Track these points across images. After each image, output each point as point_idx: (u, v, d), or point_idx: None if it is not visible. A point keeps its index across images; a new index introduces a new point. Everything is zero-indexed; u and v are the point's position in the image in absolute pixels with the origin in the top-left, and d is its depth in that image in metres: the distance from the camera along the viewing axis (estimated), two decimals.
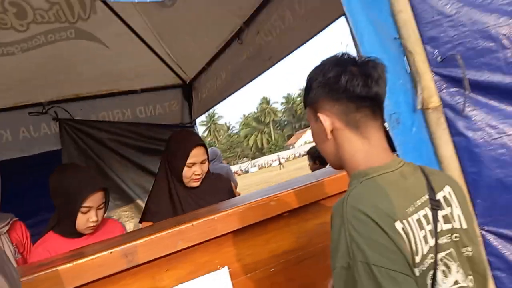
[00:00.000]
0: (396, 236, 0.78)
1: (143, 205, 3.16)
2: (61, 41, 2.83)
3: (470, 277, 0.91)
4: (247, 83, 2.95)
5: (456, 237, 0.90)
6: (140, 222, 1.92)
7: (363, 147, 0.92)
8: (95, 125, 3.09)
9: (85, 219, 1.55)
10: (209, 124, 76.67)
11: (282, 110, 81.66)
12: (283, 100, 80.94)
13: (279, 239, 1.29)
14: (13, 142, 2.93)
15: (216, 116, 77.89)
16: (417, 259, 0.80)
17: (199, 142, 1.86)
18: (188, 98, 3.63)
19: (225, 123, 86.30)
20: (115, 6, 2.86)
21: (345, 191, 0.89)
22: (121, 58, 3.08)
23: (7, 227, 1.75)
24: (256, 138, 76.50)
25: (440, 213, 0.90)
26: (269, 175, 26.94)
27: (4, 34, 2.65)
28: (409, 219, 0.83)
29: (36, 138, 3.01)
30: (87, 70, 3.07)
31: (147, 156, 3.16)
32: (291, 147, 67.12)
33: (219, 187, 1.95)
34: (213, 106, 3.54)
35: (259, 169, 54.09)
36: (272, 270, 1.27)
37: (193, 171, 1.80)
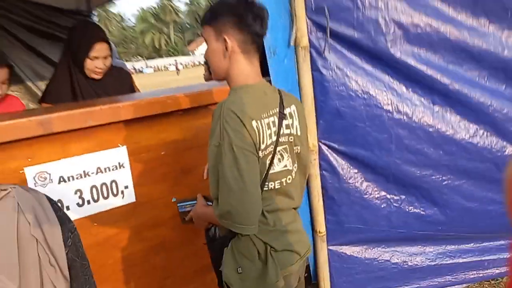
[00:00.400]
0: (251, 129, 1.19)
1: (32, 87, 3.13)
2: None
3: (295, 164, 1.40)
4: None
5: (291, 139, 1.36)
6: (40, 102, 2.05)
7: (246, 69, 1.27)
8: None
9: None
10: (99, 11, 68.53)
11: (186, 11, 76.76)
12: (188, 1, 75.83)
13: (171, 131, 1.64)
14: None
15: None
16: (262, 146, 1.23)
17: (104, 37, 1.99)
18: None
19: (119, 13, 78.06)
20: None
21: None
22: None
23: None
24: (154, 37, 71.56)
25: (284, 122, 1.34)
26: (165, 80, 25.94)
27: None
28: (262, 121, 1.24)
29: None
30: None
31: (40, 39, 3.02)
32: (191, 53, 64.93)
33: (120, 80, 2.15)
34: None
35: (155, 71, 51.81)
36: (163, 153, 1.63)
37: (95, 65, 1.96)
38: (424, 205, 1.97)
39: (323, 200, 1.95)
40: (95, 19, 3.87)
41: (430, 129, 1.82)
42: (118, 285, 1.60)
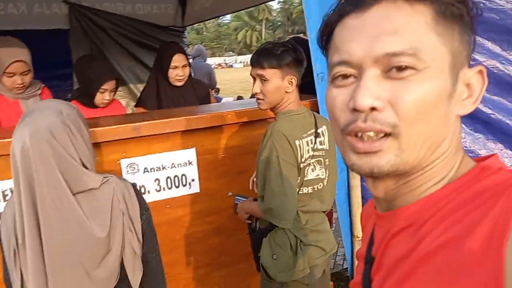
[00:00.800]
0: (294, 146, 1.50)
1: (133, 89, 3.79)
2: None
3: (327, 174, 1.67)
4: (241, 9, 3.36)
5: (323, 153, 1.64)
6: (136, 106, 2.58)
7: (292, 98, 1.57)
8: (100, 13, 3.48)
9: (101, 97, 2.22)
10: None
11: (278, 9, 77.88)
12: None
13: (231, 138, 2.01)
14: (28, 15, 3.31)
15: None
16: (302, 159, 1.53)
17: (181, 50, 2.41)
18: (183, 5, 3.99)
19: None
20: None
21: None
22: None
23: (39, 91, 2.27)
24: (246, 34, 74.00)
25: (318, 139, 1.62)
26: None
27: None
28: (302, 140, 1.54)
29: (48, 15, 3.40)
30: None
31: (141, 49, 3.65)
32: None
33: (198, 91, 2.59)
34: (204, 21, 3.92)
35: (244, 66, 53.71)
36: (223, 155, 2.02)
37: (176, 73, 2.38)
38: None
39: (362, 208, 2.16)
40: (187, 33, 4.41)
41: (470, 155, 1.93)
42: (181, 257, 2.02)
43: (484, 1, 1.80)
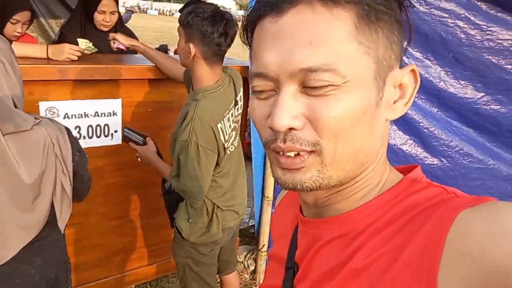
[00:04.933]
0: (217, 132, 1.46)
1: (44, 24, 3.40)
2: None
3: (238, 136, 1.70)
4: None
5: (239, 117, 1.68)
6: (57, 41, 2.35)
7: (207, 73, 1.47)
8: None
9: (12, 29, 2.01)
10: None
11: None
12: None
13: (158, 93, 2.00)
14: None
15: None
16: (225, 141, 1.53)
17: None
18: None
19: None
20: None
21: None
22: None
23: None
24: None
25: (236, 107, 1.63)
26: (165, 25, 25.05)
27: None
28: (224, 119, 1.53)
29: None
30: None
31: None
32: None
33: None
34: None
35: (159, 14, 50.58)
36: (149, 110, 2.01)
37: (103, 17, 2.24)
38: None
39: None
40: None
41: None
42: (97, 207, 2.00)
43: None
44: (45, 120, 1.16)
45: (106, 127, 1.88)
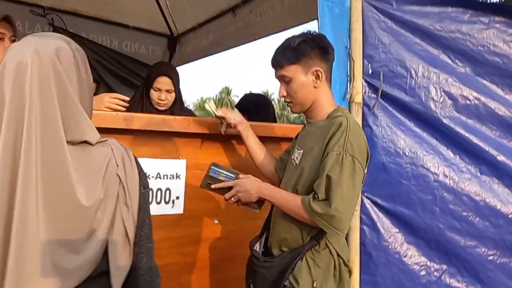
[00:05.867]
0: (368, 148, 1.33)
1: None
2: None
3: None
4: (229, 48, 3.48)
5: None
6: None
7: (324, 94, 1.39)
8: (84, 42, 3.35)
9: None
10: None
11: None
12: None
13: (228, 155, 1.80)
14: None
15: None
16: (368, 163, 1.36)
17: (167, 73, 2.16)
18: (171, 49, 4.00)
19: (184, 100, 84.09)
20: None
21: None
22: None
23: None
24: None
25: None
26: None
27: None
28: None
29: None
30: None
31: (122, 85, 3.49)
32: None
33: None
34: (191, 61, 3.93)
35: None
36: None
37: (157, 95, 2.13)
38: (467, 280, 1.87)
39: (360, 256, 1.93)
40: None
41: (477, 198, 1.83)
42: None
43: (488, 45, 1.86)
44: (112, 140, 0.95)
45: (167, 192, 1.64)
